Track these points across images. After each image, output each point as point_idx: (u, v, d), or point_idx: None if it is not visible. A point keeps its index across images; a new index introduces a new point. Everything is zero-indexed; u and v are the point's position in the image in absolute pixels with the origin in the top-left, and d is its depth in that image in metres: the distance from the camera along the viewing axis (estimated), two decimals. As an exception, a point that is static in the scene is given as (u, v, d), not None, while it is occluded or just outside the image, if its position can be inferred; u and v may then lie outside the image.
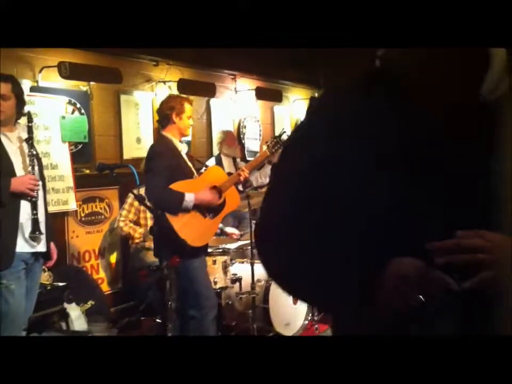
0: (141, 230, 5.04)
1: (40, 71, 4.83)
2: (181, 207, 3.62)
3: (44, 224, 3.25)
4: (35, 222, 3.16)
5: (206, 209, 3.79)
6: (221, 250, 4.64)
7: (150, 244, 4.76)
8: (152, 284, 4.65)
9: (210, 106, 6.93)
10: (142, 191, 3.68)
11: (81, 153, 5.22)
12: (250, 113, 7.74)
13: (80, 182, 5.12)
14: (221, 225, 5.01)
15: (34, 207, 3.17)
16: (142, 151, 5.74)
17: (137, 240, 5.04)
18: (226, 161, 5.96)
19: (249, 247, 4.57)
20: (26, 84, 4.60)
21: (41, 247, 3.26)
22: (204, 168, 4.92)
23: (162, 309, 3.37)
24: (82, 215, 5.26)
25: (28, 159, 3.22)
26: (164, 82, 6.09)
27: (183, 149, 3.88)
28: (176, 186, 3.65)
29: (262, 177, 5.74)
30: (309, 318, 4.78)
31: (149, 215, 4.91)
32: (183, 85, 6.01)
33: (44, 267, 3.58)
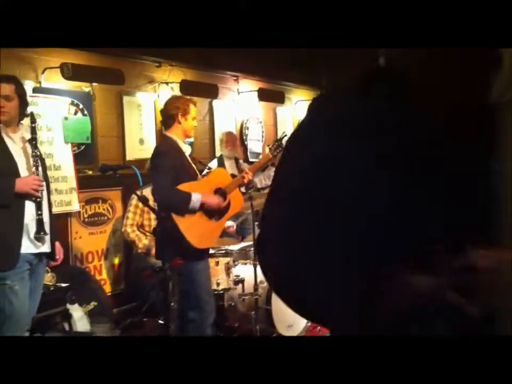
0: (145, 241, 5.03)
1: (42, 72, 4.84)
2: (188, 207, 3.61)
3: (48, 224, 3.26)
4: (40, 223, 3.17)
5: (211, 211, 3.79)
6: (223, 251, 4.64)
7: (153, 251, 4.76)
8: (155, 285, 4.65)
9: (213, 108, 6.94)
10: (145, 192, 3.69)
11: (84, 154, 5.23)
12: (253, 114, 7.74)
13: (83, 183, 5.13)
14: None
15: (39, 207, 3.17)
16: (144, 152, 5.75)
17: (140, 250, 5.04)
18: (228, 163, 5.96)
19: (252, 249, 4.57)
20: (29, 85, 4.61)
21: (45, 248, 3.27)
22: (206, 169, 4.92)
23: (164, 310, 3.38)
24: (85, 216, 5.27)
25: (31, 160, 3.23)
26: (167, 83, 6.10)
27: (186, 150, 3.88)
28: (181, 188, 3.65)
29: (266, 179, 5.75)
30: (312, 319, 4.77)
31: (152, 216, 4.91)
32: (186, 86, 6.01)
33: (47, 268, 3.59)
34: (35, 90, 4.76)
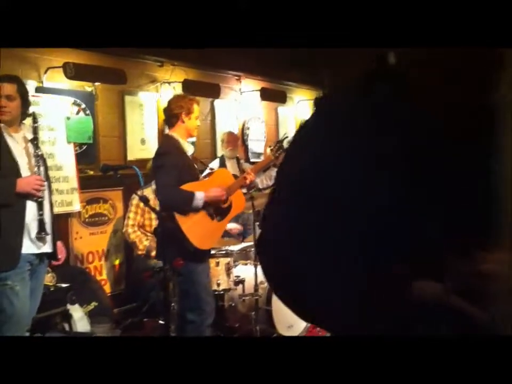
0: (146, 242, 5.03)
1: (45, 72, 4.85)
2: (192, 205, 3.60)
3: (49, 224, 3.26)
4: (41, 223, 3.17)
5: (213, 211, 3.79)
6: (224, 252, 4.65)
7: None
8: (155, 285, 4.65)
9: (215, 107, 6.94)
10: (146, 192, 3.68)
11: (85, 154, 5.23)
12: (255, 114, 7.75)
13: (84, 183, 5.13)
14: None
15: (40, 207, 3.18)
16: (146, 152, 5.75)
17: (140, 252, 5.04)
18: (229, 163, 5.96)
19: (253, 249, 4.57)
20: (31, 85, 4.61)
21: (46, 248, 3.27)
22: (207, 170, 4.93)
23: (165, 310, 3.38)
24: (86, 216, 5.27)
25: (33, 160, 3.23)
26: (169, 83, 6.10)
27: (189, 149, 3.87)
28: (183, 188, 3.65)
29: (267, 179, 5.76)
30: (312, 319, 4.77)
31: (153, 216, 4.91)
32: (188, 86, 6.02)
33: (47, 268, 3.59)
34: (37, 90, 4.77)
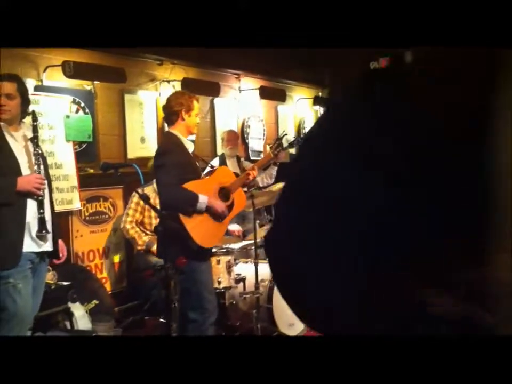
0: (145, 238, 5.03)
1: (44, 70, 4.85)
2: (195, 209, 3.58)
3: (50, 223, 3.26)
4: (42, 221, 3.17)
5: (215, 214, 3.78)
6: (224, 250, 4.65)
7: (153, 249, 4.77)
8: (157, 283, 4.65)
9: (214, 106, 6.94)
10: (146, 190, 3.68)
11: (85, 153, 5.23)
12: (254, 112, 7.74)
13: (84, 182, 5.13)
14: None
15: (40, 205, 3.18)
16: (146, 150, 5.75)
17: (139, 248, 5.04)
18: (230, 161, 5.96)
19: (253, 247, 4.57)
20: (30, 83, 4.61)
21: (47, 246, 3.27)
22: (208, 167, 4.93)
23: (166, 309, 3.37)
24: (87, 214, 5.28)
25: (33, 158, 3.23)
26: (168, 81, 6.10)
27: (190, 147, 3.85)
28: (186, 186, 3.62)
29: (267, 178, 5.75)
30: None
31: (153, 214, 4.91)
32: (187, 84, 6.02)
33: (48, 266, 3.60)
34: (37, 88, 4.77)
